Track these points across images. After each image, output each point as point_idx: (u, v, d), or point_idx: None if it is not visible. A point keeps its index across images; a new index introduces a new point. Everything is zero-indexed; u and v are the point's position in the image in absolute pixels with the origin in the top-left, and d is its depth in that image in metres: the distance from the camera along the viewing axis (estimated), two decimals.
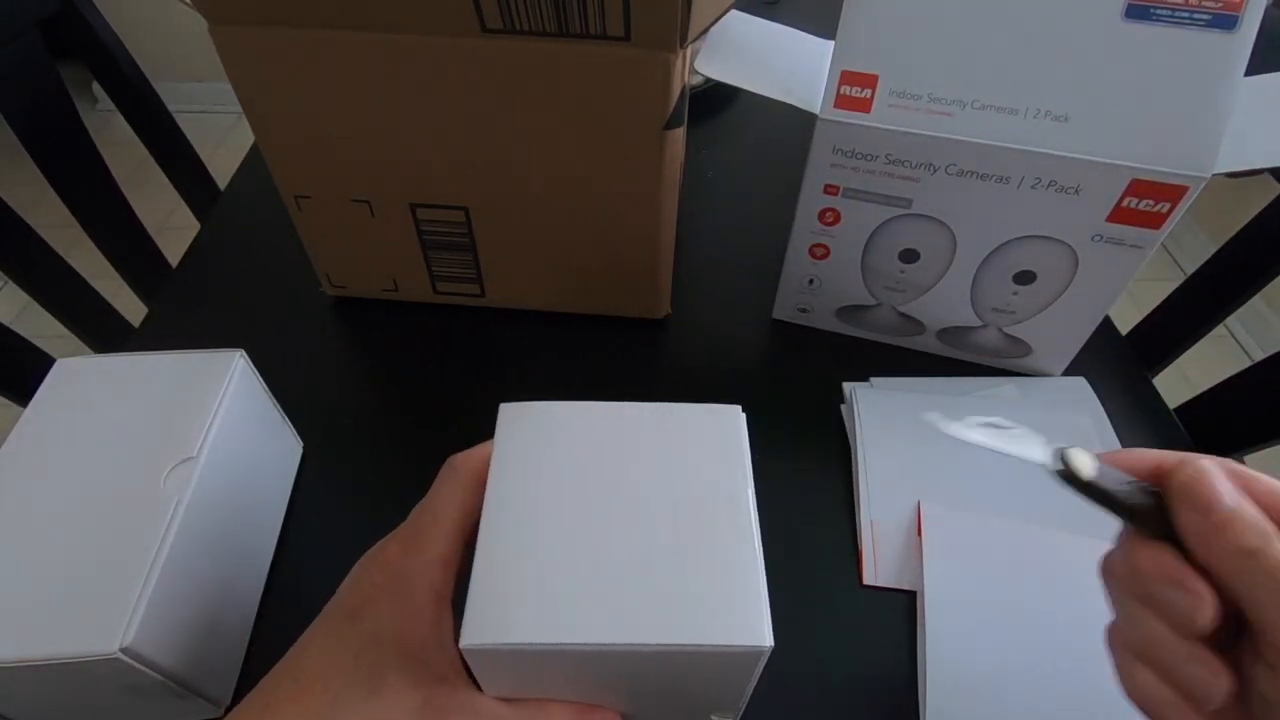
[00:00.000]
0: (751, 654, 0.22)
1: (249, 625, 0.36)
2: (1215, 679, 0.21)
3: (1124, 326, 0.57)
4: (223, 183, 0.68)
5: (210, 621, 0.32)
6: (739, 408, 0.27)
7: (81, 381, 0.35)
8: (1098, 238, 0.38)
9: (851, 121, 0.38)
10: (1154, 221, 0.37)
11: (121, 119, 0.72)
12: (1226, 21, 0.32)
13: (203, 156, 0.80)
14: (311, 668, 0.25)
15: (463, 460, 0.28)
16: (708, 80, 0.43)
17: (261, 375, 0.38)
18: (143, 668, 0.28)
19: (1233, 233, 0.57)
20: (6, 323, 0.59)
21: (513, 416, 0.27)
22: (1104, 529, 0.25)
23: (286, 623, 0.37)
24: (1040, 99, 0.35)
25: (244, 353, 0.36)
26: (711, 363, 0.50)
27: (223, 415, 0.34)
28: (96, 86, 0.88)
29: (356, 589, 0.26)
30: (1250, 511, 0.21)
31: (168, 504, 0.30)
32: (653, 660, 0.22)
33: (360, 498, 0.42)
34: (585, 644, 0.22)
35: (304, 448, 0.44)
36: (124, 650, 0.26)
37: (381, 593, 0.25)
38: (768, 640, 0.22)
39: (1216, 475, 0.21)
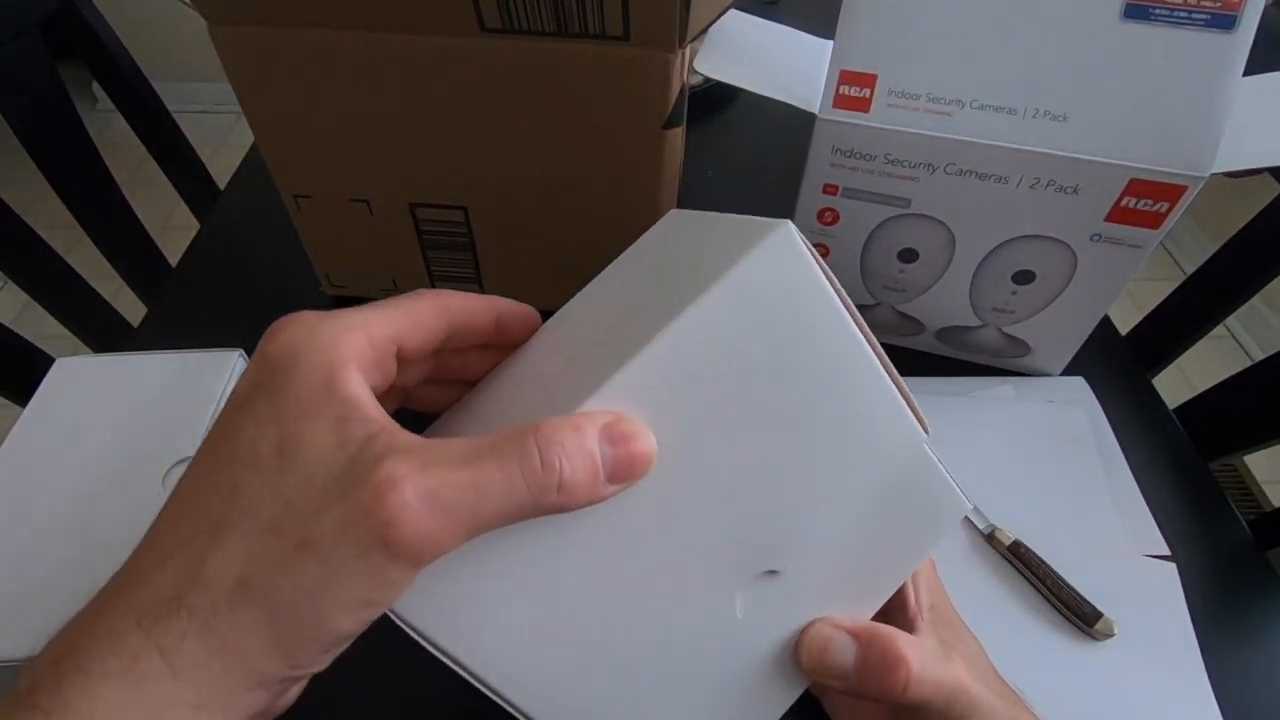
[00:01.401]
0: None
1: None
2: None
3: (1124, 326, 0.57)
4: (223, 183, 0.68)
5: None
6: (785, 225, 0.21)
7: (81, 381, 0.35)
8: (1096, 237, 0.38)
9: (851, 121, 0.38)
10: (1153, 221, 0.37)
11: (121, 119, 0.72)
12: (1225, 21, 0.32)
13: (203, 156, 0.80)
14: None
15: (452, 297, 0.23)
16: (707, 80, 0.43)
17: None
18: None
19: (1233, 233, 0.57)
20: (6, 323, 0.59)
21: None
22: None
23: None
24: (1039, 99, 0.35)
25: (243, 352, 0.37)
26: None
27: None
28: (96, 86, 0.88)
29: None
30: (875, 656, 0.23)
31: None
32: None
33: None
34: None
35: None
36: None
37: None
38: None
39: (829, 637, 0.23)
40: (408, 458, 0.17)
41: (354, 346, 0.19)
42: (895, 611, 0.26)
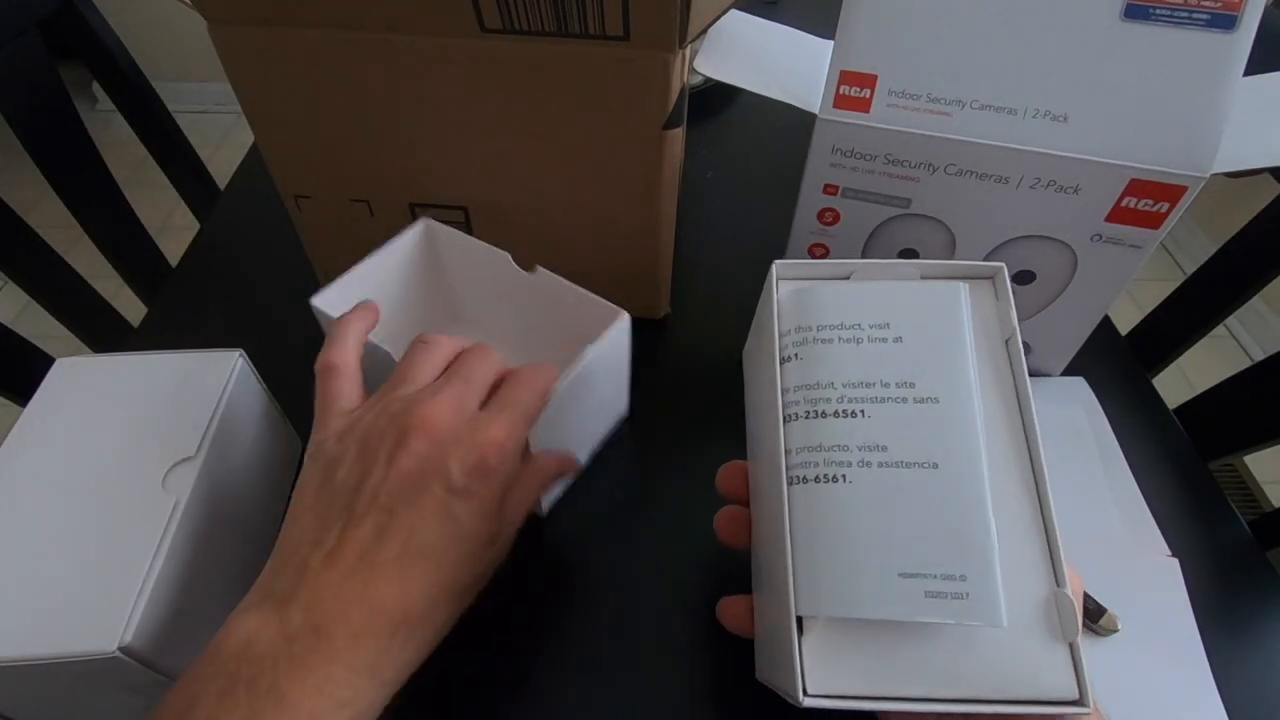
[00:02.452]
0: None
1: None
2: None
3: (1124, 326, 0.57)
4: (223, 183, 0.68)
5: (209, 620, 0.32)
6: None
7: (81, 381, 0.35)
8: (1097, 237, 0.38)
9: (851, 121, 0.38)
10: (1153, 221, 0.37)
11: (121, 119, 0.72)
12: (1225, 21, 0.32)
13: (203, 156, 0.80)
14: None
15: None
16: (707, 80, 0.43)
17: (261, 375, 0.38)
18: (141, 667, 0.28)
19: (1233, 233, 0.57)
20: (6, 323, 0.59)
21: None
22: None
23: None
24: (1039, 99, 0.35)
25: (243, 352, 0.37)
26: (711, 363, 0.50)
27: (222, 415, 0.34)
28: (96, 86, 0.88)
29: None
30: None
31: (167, 503, 0.30)
32: None
33: None
34: None
35: (304, 446, 0.44)
36: (122, 649, 0.26)
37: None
38: None
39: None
40: None
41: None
42: None
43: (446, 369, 0.32)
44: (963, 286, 0.27)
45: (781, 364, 0.27)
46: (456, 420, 0.29)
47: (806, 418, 0.25)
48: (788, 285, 0.29)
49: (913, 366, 0.25)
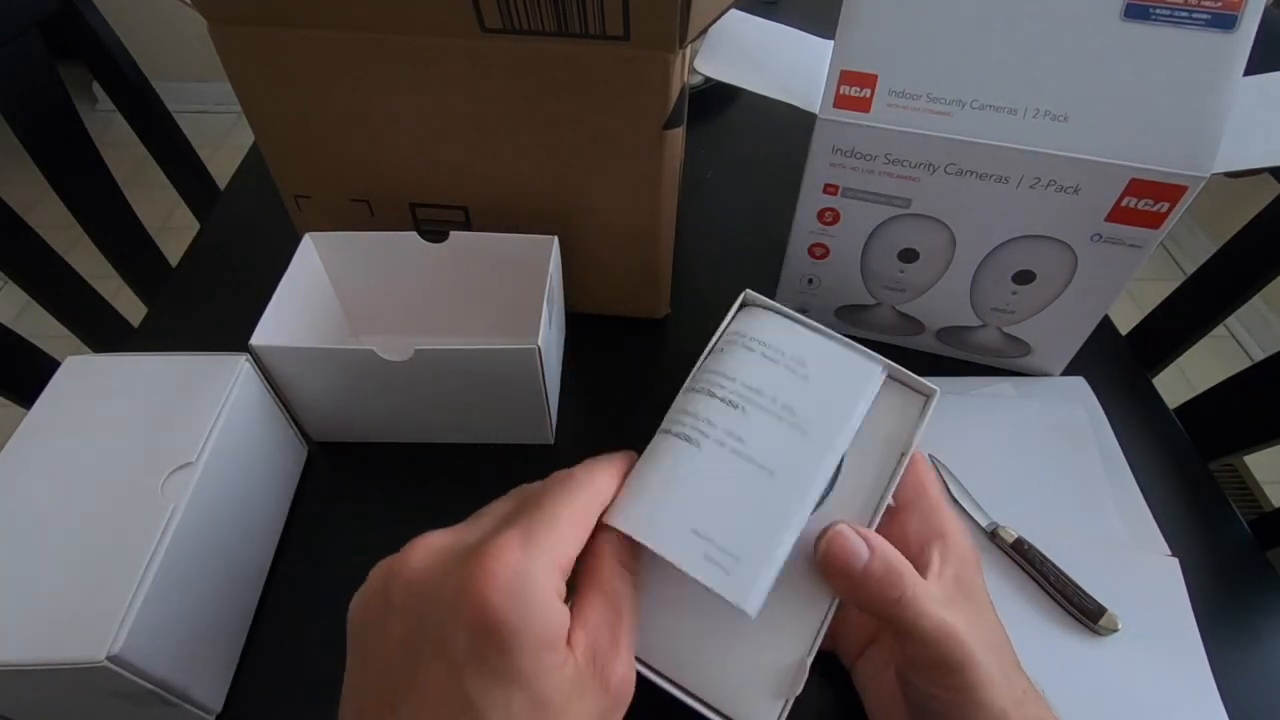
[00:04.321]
0: None
1: (244, 633, 0.36)
2: None
3: (1124, 326, 0.57)
4: (223, 183, 0.68)
5: (203, 629, 0.32)
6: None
7: (87, 381, 0.35)
8: (1097, 237, 0.38)
9: (851, 121, 0.38)
10: (1153, 221, 0.37)
11: (121, 119, 0.72)
12: (1225, 21, 0.32)
13: (203, 156, 0.80)
14: None
15: (587, 474, 0.25)
16: (708, 80, 0.43)
17: (263, 375, 0.38)
18: (131, 675, 0.27)
19: (1233, 233, 0.57)
20: (6, 323, 0.59)
21: None
22: None
23: (282, 630, 0.37)
24: (1039, 98, 0.35)
25: (249, 357, 0.36)
26: None
27: (224, 421, 0.34)
28: (96, 86, 0.88)
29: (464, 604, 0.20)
30: (878, 565, 0.25)
31: (164, 510, 0.30)
32: None
33: (365, 499, 0.42)
34: None
35: (309, 450, 0.44)
36: (111, 659, 0.26)
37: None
38: None
39: (848, 536, 0.26)
40: None
41: (560, 611, 0.22)
42: (912, 561, 0.27)
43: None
44: (878, 371, 0.30)
45: (709, 351, 0.31)
46: (444, 557, 0.21)
47: (699, 392, 0.29)
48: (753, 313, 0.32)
49: (802, 399, 0.28)
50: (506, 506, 0.25)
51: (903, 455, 0.29)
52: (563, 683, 0.20)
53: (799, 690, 0.27)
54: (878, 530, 0.27)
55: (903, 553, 0.26)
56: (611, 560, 0.25)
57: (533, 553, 0.21)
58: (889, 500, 0.28)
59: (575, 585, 0.24)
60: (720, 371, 0.29)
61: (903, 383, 0.30)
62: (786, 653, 0.27)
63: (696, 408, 0.28)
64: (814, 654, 0.27)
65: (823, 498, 0.27)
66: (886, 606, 0.25)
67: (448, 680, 0.19)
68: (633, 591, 0.25)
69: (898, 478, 0.29)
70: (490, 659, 0.19)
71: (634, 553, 0.26)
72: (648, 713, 0.26)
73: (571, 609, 0.23)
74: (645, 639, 0.27)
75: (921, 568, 0.27)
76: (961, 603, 0.27)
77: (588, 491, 0.24)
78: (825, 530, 0.27)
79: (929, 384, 0.30)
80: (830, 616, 0.27)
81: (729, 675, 0.27)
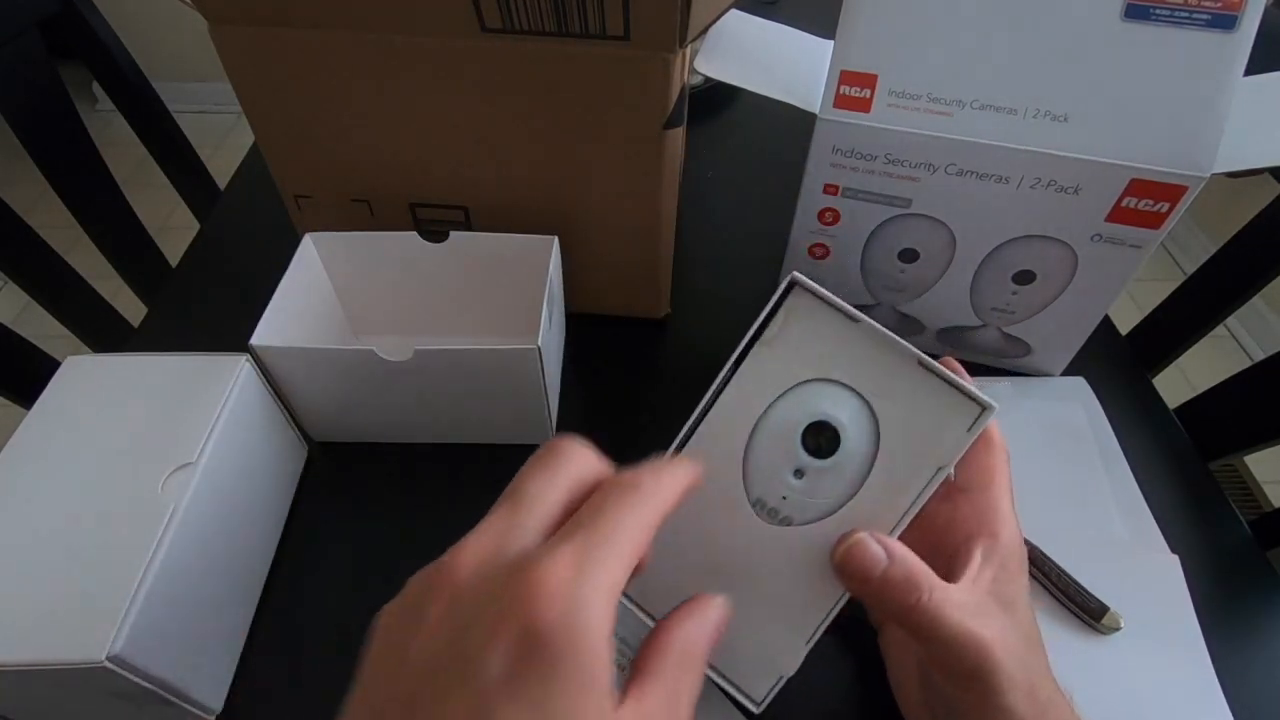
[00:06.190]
0: None
1: (243, 633, 0.36)
2: None
3: (1124, 326, 0.57)
4: (223, 183, 0.68)
5: (203, 629, 0.32)
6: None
7: (88, 380, 0.35)
8: (1097, 237, 0.38)
9: (851, 121, 0.38)
10: (1153, 221, 0.37)
11: (121, 119, 0.72)
12: (1226, 21, 0.32)
13: (203, 156, 0.80)
14: None
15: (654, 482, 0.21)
16: (708, 80, 0.43)
17: (263, 375, 0.38)
18: (131, 675, 0.27)
19: (1233, 233, 0.57)
20: (6, 323, 0.59)
21: None
22: None
23: (282, 630, 0.37)
24: (1039, 99, 0.35)
25: (249, 357, 0.36)
26: (712, 363, 0.49)
27: (224, 421, 0.34)
28: (96, 86, 0.88)
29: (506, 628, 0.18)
30: (897, 572, 0.25)
31: (164, 510, 0.30)
32: None
33: (365, 499, 0.42)
34: None
35: (309, 450, 0.44)
36: (111, 659, 0.26)
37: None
38: None
39: (867, 544, 0.26)
40: None
41: (608, 652, 0.18)
42: (950, 565, 0.27)
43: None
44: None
45: (748, 341, 0.31)
46: (488, 571, 0.19)
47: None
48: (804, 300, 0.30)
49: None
50: (554, 495, 0.21)
51: (939, 469, 0.26)
52: None
53: (792, 672, 0.27)
54: (914, 519, 0.26)
55: (946, 538, 0.26)
56: (679, 654, 0.21)
57: (589, 574, 0.18)
58: (915, 513, 0.26)
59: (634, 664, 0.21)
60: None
61: (956, 387, 0.26)
62: (788, 635, 0.27)
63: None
64: (813, 643, 0.27)
65: (844, 501, 0.27)
66: (904, 611, 0.25)
67: (476, 710, 0.17)
68: (696, 691, 0.21)
69: (928, 495, 0.26)
70: (529, 689, 0.17)
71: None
72: None
73: (627, 686, 0.20)
74: (651, 587, 0.27)
75: (959, 565, 0.27)
76: (991, 609, 0.26)
77: (652, 504, 0.21)
78: (844, 536, 0.26)
79: (986, 397, 0.26)
80: (837, 610, 0.27)
81: (730, 640, 0.25)
